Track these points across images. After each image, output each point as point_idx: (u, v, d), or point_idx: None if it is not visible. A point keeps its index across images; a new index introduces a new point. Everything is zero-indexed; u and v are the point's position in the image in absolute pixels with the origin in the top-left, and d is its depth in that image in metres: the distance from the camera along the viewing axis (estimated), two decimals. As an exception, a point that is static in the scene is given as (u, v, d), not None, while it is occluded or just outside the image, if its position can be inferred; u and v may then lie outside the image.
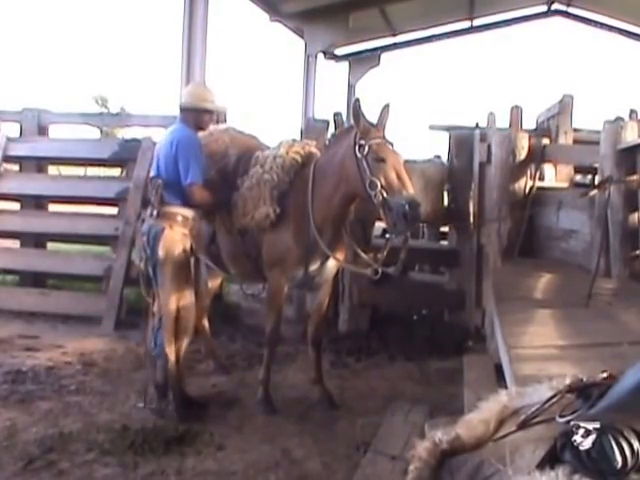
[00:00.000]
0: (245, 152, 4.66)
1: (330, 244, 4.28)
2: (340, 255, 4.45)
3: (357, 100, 4.10)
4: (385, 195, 3.82)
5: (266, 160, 4.45)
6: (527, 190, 6.25)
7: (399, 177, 3.86)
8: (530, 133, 7.05)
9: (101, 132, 9.33)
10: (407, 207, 3.72)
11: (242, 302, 7.38)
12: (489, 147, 6.29)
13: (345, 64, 12.61)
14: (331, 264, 4.48)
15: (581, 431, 1.40)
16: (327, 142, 4.60)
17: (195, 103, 4.40)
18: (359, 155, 3.94)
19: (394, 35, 12.23)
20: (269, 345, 4.58)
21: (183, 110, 4.43)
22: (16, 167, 8.06)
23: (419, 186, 6.09)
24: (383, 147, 3.95)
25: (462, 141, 6.77)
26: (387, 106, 4.11)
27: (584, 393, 1.71)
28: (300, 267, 4.39)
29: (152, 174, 4.44)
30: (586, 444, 1.38)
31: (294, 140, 4.69)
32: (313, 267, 4.42)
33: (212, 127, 4.93)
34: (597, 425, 1.39)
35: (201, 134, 4.61)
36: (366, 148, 3.91)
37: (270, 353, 4.58)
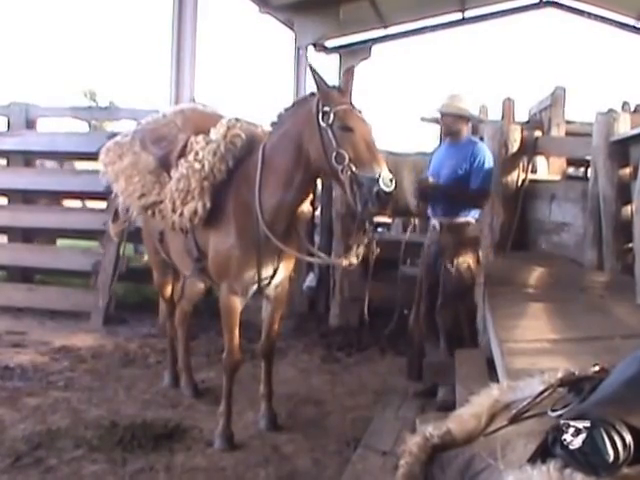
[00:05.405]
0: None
1: (283, 237, 3.65)
2: (294, 247, 3.80)
3: (311, 65, 3.58)
4: (354, 169, 3.21)
5: (199, 145, 3.84)
6: (519, 183, 6.22)
7: (369, 150, 3.28)
8: (522, 125, 7.02)
9: (90, 126, 9.26)
10: (380, 182, 3.14)
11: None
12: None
13: (336, 56, 12.53)
14: (286, 260, 3.87)
15: (571, 430, 1.38)
16: (275, 119, 3.78)
17: None
18: (323, 124, 3.33)
19: (385, 27, 12.13)
20: (226, 372, 3.95)
21: None
22: (3, 161, 8.01)
23: (410, 179, 6.06)
24: (350, 114, 3.37)
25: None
26: (351, 68, 3.67)
27: (576, 387, 1.69)
28: (250, 273, 3.74)
29: None
30: (576, 443, 1.36)
31: (237, 120, 3.95)
32: (267, 270, 3.79)
33: (169, 109, 4.39)
34: (587, 424, 1.37)
35: (152, 117, 4.23)
36: (331, 115, 3.31)
37: (229, 380, 3.95)
